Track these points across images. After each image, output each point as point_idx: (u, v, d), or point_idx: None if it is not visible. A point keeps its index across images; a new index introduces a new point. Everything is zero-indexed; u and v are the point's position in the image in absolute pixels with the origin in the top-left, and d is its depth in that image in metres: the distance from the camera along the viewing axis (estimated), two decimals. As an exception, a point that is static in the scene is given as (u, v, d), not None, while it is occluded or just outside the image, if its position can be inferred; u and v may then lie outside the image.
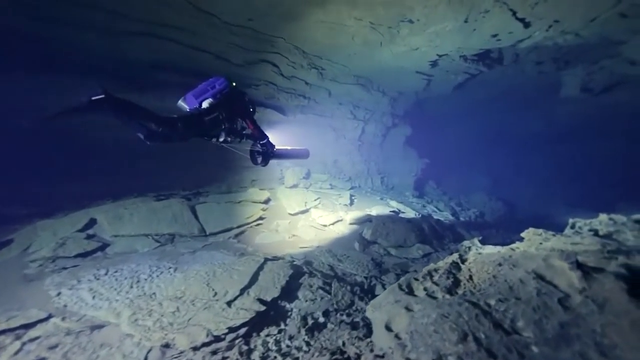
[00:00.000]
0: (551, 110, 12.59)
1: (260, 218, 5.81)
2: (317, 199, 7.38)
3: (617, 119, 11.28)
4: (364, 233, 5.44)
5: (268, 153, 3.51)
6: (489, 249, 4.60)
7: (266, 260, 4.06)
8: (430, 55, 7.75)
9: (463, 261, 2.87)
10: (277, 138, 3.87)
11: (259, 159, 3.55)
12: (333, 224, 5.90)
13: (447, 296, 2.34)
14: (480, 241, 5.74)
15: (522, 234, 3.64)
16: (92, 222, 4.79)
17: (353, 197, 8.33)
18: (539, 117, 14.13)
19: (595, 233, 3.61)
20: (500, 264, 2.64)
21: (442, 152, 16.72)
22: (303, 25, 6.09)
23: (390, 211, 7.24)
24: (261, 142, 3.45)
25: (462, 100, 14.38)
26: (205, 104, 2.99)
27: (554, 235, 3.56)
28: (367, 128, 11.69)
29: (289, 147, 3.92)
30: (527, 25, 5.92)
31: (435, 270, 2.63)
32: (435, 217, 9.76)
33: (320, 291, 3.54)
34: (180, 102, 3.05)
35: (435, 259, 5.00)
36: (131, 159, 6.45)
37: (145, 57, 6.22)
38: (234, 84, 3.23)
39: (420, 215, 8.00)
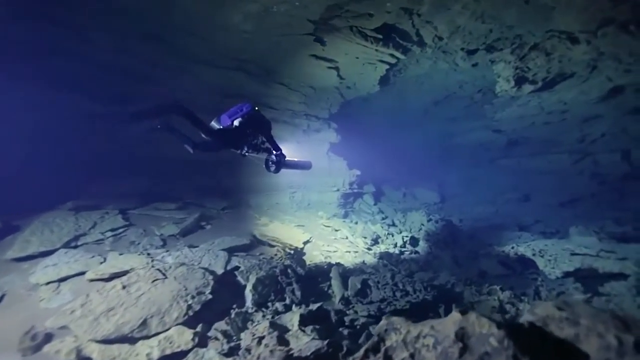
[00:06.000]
0: (495, 117, 10.72)
1: None
2: (120, 228, 4.73)
3: (566, 126, 9.47)
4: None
5: (281, 162, 3.94)
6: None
7: None
8: (300, 22, 5.45)
9: None
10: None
11: (272, 167, 3.99)
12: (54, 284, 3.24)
13: None
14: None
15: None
16: None
17: (204, 224, 5.73)
18: (486, 126, 12.33)
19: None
20: None
21: (384, 164, 14.59)
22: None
23: (222, 249, 4.69)
24: (276, 153, 3.92)
25: (402, 105, 12.48)
26: (236, 122, 3.62)
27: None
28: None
29: (296, 159, 4.36)
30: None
31: None
32: (336, 246, 7.30)
33: None
34: (213, 123, 3.69)
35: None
36: None
37: None
38: (257, 107, 3.84)
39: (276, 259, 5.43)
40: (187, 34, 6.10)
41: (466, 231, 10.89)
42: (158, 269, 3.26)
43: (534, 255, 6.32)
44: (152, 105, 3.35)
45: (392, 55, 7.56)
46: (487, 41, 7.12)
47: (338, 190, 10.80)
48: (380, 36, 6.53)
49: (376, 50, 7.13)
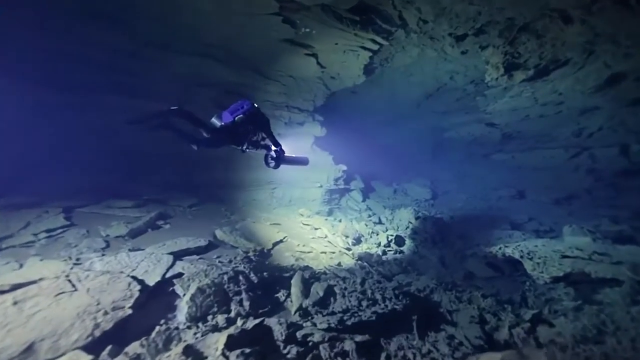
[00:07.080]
0: (487, 110, 10.18)
1: None
2: (58, 229, 4.24)
3: (561, 119, 8.95)
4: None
5: (280, 158, 4.02)
6: None
7: None
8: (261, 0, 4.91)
9: None
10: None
11: (272, 163, 4.07)
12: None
13: None
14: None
15: None
16: None
17: (162, 224, 5.23)
18: (479, 119, 11.80)
19: None
20: None
21: (374, 159, 14.08)
22: None
23: (171, 252, 4.21)
24: (275, 149, 4.02)
25: (393, 98, 11.95)
26: (237, 119, 3.73)
27: None
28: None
29: (294, 155, 4.32)
30: None
31: None
32: (312, 246, 6.80)
33: None
34: (214, 119, 3.81)
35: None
36: None
37: None
38: (256, 105, 3.93)
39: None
40: (145, 15, 5.55)
41: (456, 229, 10.40)
42: (69, 280, 2.78)
43: (521, 257, 5.84)
44: (152, 113, 3.54)
45: (373, 41, 7.01)
46: (475, 25, 6.57)
47: (321, 186, 10.30)
48: (357, 18, 5.99)
49: (355, 34, 6.58)
